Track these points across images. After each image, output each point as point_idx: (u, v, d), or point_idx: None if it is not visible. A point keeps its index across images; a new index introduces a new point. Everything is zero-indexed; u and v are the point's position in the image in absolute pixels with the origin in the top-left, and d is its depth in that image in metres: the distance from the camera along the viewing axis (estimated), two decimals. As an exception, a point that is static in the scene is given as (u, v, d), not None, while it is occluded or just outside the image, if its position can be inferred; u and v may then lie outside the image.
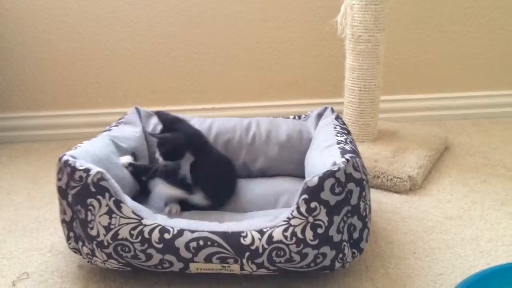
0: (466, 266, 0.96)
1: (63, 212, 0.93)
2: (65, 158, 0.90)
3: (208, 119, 1.28)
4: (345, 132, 1.10)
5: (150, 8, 1.65)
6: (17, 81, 1.71)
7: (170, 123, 1.09)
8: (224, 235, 0.84)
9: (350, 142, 1.03)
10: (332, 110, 1.22)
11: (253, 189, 1.14)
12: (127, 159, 1.10)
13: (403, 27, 1.72)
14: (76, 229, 0.91)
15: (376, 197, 1.24)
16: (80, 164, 0.88)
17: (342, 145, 0.98)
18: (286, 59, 1.75)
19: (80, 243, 0.91)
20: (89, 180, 0.86)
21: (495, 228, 1.09)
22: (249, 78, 1.76)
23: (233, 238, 0.84)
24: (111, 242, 0.85)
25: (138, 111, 1.27)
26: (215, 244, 0.83)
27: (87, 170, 0.87)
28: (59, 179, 0.91)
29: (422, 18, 1.72)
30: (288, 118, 1.31)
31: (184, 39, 1.70)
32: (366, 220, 0.91)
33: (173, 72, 1.73)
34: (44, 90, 1.72)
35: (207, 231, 0.84)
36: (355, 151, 0.96)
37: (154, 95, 1.75)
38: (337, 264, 0.86)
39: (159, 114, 1.12)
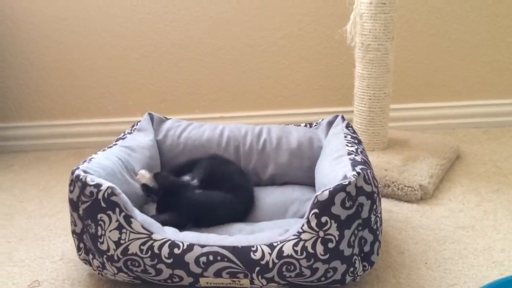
0: (479, 277, 0.95)
1: (73, 223, 0.93)
2: (77, 172, 0.90)
3: (220, 125, 1.28)
4: (356, 141, 1.09)
5: (161, 18, 1.66)
6: (29, 91, 1.73)
7: (170, 188, 1.05)
8: (234, 249, 0.84)
9: (361, 152, 1.02)
10: (343, 118, 1.21)
11: (262, 198, 1.13)
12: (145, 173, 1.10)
13: (413, 35, 1.71)
14: (87, 242, 0.91)
15: (386, 206, 1.23)
16: (91, 179, 0.88)
17: (353, 155, 0.97)
18: (296, 68, 1.75)
19: (91, 256, 0.91)
20: (100, 195, 0.86)
21: (508, 238, 1.08)
22: (258, 87, 1.77)
23: (243, 253, 0.84)
24: (121, 257, 0.85)
25: (152, 117, 1.28)
26: (225, 259, 0.83)
27: (97, 186, 0.87)
28: (70, 192, 0.91)
29: (432, 26, 1.71)
30: (299, 126, 1.30)
31: (193, 49, 1.71)
32: (377, 233, 0.90)
33: (182, 81, 1.74)
34: (56, 99, 1.74)
35: (217, 246, 0.84)
36: (366, 163, 0.95)
37: (163, 103, 1.75)
38: (348, 278, 0.86)
39: (157, 176, 1.08)
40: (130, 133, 1.21)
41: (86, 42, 1.68)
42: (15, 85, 1.72)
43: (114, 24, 1.67)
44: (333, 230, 0.82)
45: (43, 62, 1.70)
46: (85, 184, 0.87)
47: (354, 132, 1.16)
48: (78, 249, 0.94)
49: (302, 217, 0.91)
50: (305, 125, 1.31)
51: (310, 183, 1.17)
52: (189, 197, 1.03)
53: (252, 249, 0.84)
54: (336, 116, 1.24)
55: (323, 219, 0.82)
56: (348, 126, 1.17)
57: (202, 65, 1.73)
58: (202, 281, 0.85)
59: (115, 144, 1.13)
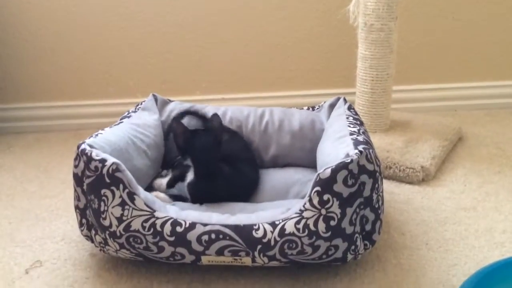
0: (480, 257, 0.95)
1: (77, 198, 0.93)
2: (82, 146, 0.90)
3: (222, 107, 1.28)
4: (358, 122, 1.08)
5: (161, -3, 1.65)
6: (29, 72, 1.71)
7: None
8: (236, 228, 0.84)
9: (363, 133, 1.02)
10: (345, 100, 1.21)
11: (264, 180, 1.14)
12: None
13: (416, 15, 1.69)
14: (89, 217, 0.91)
15: (388, 188, 1.23)
16: (96, 154, 0.87)
17: (355, 136, 0.97)
18: (297, 49, 1.73)
19: (93, 231, 0.91)
20: (104, 171, 0.86)
21: (510, 219, 1.08)
22: (259, 68, 1.75)
23: (245, 231, 0.84)
24: (123, 233, 0.85)
25: (156, 98, 1.27)
26: (227, 238, 0.83)
27: (102, 161, 0.86)
28: (75, 166, 0.91)
29: (436, 6, 1.69)
30: (302, 109, 1.30)
31: (194, 29, 1.69)
32: (379, 212, 0.90)
33: (183, 62, 1.73)
34: (56, 81, 1.73)
35: (219, 224, 0.84)
36: (368, 142, 0.95)
37: (164, 85, 1.74)
38: (349, 256, 0.86)
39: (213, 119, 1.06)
40: (135, 111, 1.20)
41: (86, 22, 1.66)
42: (14, 66, 1.71)
43: (114, 4, 1.65)
44: (335, 208, 0.82)
45: (42, 42, 1.68)
46: (90, 159, 0.87)
47: (356, 113, 1.15)
48: (81, 224, 0.94)
49: (303, 198, 0.91)
50: (307, 108, 1.30)
51: (311, 165, 1.17)
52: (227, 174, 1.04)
53: (254, 227, 0.84)
54: (338, 98, 1.23)
55: (325, 197, 0.82)
56: (350, 107, 1.17)
57: (203, 45, 1.71)
58: (204, 259, 0.85)
59: (121, 122, 1.13)
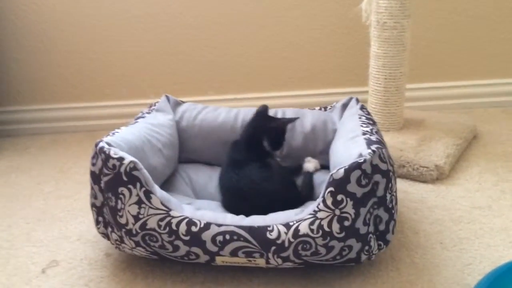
0: (495, 256, 0.94)
1: (93, 196, 0.94)
2: (101, 144, 0.91)
3: (234, 109, 1.28)
4: (371, 122, 1.08)
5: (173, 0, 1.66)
6: (45, 74, 1.74)
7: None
8: (250, 229, 0.84)
9: (376, 132, 1.01)
10: (357, 100, 1.20)
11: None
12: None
13: (429, 12, 1.68)
14: (106, 215, 0.92)
15: (402, 186, 1.22)
16: (115, 152, 0.88)
17: (368, 135, 0.97)
18: (309, 48, 1.73)
19: (109, 229, 0.92)
20: (122, 169, 0.87)
21: (526, 218, 1.07)
22: (271, 68, 1.75)
23: (259, 233, 0.84)
24: (139, 231, 0.86)
25: (168, 99, 1.28)
26: (241, 239, 0.84)
27: (120, 159, 0.87)
28: (93, 164, 0.92)
29: (449, 3, 1.67)
30: (314, 109, 1.30)
31: (206, 30, 1.70)
32: (393, 211, 0.89)
33: (195, 63, 1.74)
34: (71, 83, 1.75)
35: (234, 225, 0.85)
36: (381, 142, 0.94)
37: (176, 85, 1.75)
38: (363, 257, 0.86)
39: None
40: (149, 113, 1.21)
41: (101, 25, 1.68)
42: (30, 69, 1.73)
43: (127, 6, 1.66)
44: (349, 208, 0.82)
45: (57, 45, 1.70)
46: (108, 157, 0.88)
47: (369, 113, 1.15)
48: (97, 222, 0.95)
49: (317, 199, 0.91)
50: (320, 109, 1.30)
51: (324, 165, 1.17)
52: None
53: (268, 229, 0.84)
54: (351, 98, 1.23)
55: (339, 197, 0.82)
56: (362, 107, 1.16)
57: (215, 46, 1.72)
58: (218, 259, 0.86)
59: (137, 122, 1.14)
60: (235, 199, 1.01)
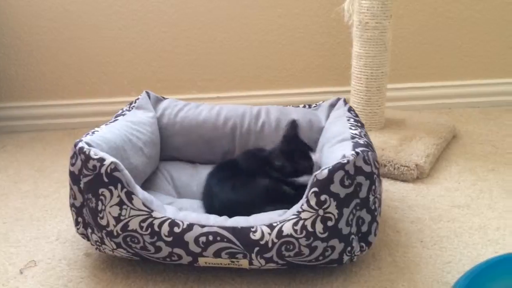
0: (474, 255, 0.95)
1: (73, 197, 0.92)
2: (80, 145, 0.89)
3: (217, 106, 1.26)
4: (359, 125, 1.08)
5: (155, -4, 1.64)
6: (22, 71, 1.70)
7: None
8: (233, 230, 0.84)
9: (365, 135, 1.01)
10: (345, 102, 1.20)
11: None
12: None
13: (410, 13, 1.70)
14: (86, 216, 0.91)
15: (383, 185, 1.22)
16: (95, 153, 0.86)
17: (356, 139, 0.96)
18: (292, 47, 1.73)
19: (89, 230, 0.91)
20: (103, 170, 0.85)
21: (503, 216, 1.08)
22: (254, 67, 1.75)
23: (242, 233, 0.84)
24: (120, 232, 0.85)
25: (149, 95, 1.26)
26: (225, 240, 0.83)
27: (101, 160, 0.86)
28: (72, 164, 0.90)
29: (429, 4, 1.69)
30: (298, 107, 1.29)
31: (189, 27, 1.68)
32: (375, 213, 0.90)
33: (178, 61, 1.72)
34: (50, 80, 1.72)
35: (217, 226, 0.84)
36: (368, 145, 0.94)
37: (159, 83, 1.74)
38: (345, 258, 0.86)
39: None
40: (129, 110, 1.19)
41: (80, 21, 1.65)
42: (7, 65, 1.70)
43: (108, 3, 1.64)
44: (332, 208, 0.82)
45: (36, 41, 1.67)
46: (88, 158, 0.86)
47: (357, 115, 1.14)
48: (76, 223, 0.93)
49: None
50: (304, 106, 1.29)
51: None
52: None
53: (252, 229, 0.84)
54: (338, 99, 1.22)
55: (323, 197, 0.82)
56: (350, 109, 1.16)
57: (198, 44, 1.71)
58: (201, 260, 0.85)
59: (116, 120, 1.11)
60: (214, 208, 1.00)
